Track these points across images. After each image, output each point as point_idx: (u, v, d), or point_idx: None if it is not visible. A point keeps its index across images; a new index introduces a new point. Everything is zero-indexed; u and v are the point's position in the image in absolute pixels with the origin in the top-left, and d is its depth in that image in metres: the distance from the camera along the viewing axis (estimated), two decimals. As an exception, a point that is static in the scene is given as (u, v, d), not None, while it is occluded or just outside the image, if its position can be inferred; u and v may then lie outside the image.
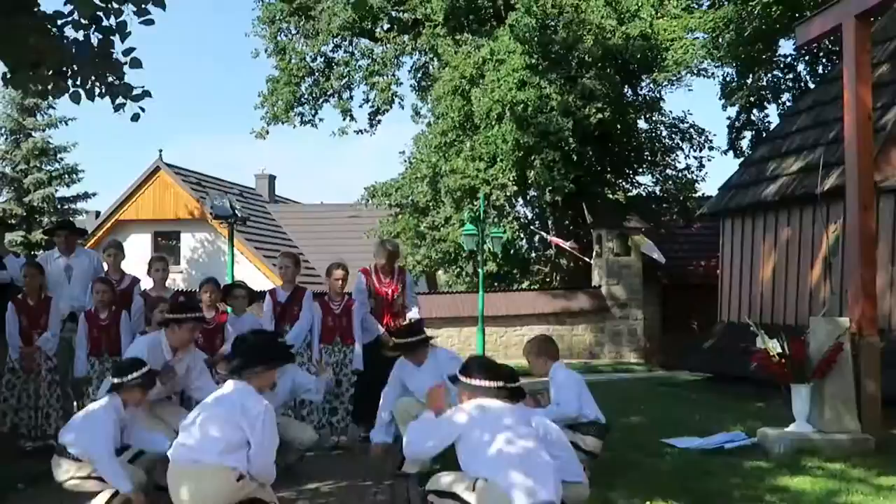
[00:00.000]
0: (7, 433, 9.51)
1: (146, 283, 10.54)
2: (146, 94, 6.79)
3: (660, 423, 10.46)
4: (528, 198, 26.10)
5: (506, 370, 6.11)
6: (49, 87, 6.70)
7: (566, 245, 24.70)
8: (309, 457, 9.15)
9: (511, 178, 23.52)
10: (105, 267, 10.73)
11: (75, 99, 6.79)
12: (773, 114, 30.24)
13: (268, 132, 27.26)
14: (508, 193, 23.99)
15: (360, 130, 28.09)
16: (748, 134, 29.78)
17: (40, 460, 9.01)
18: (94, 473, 6.53)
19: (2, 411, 9.49)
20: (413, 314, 10.58)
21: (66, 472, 6.65)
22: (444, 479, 5.68)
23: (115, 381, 6.65)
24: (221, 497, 5.35)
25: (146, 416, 7.11)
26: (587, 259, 26.21)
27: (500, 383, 5.77)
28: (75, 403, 10.22)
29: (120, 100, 6.76)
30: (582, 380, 7.92)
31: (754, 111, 29.05)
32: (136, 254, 22.21)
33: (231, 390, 5.58)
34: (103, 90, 6.75)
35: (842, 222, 12.75)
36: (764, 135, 25.74)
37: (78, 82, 6.74)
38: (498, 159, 23.68)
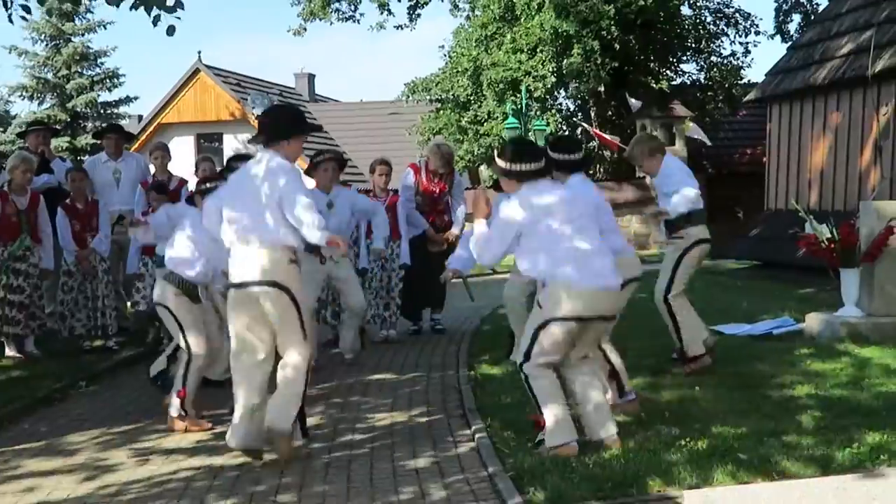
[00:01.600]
0: (66, 335, 9.74)
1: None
2: (179, 4, 6.67)
3: (708, 311, 10.41)
4: (570, 89, 25.74)
5: (539, 149, 6.08)
6: None
7: (609, 137, 24.44)
8: (361, 350, 9.31)
9: (551, 69, 23.19)
10: (152, 169, 10.83)
11: (113, 1, 6.71)
12: (821, -5, 29.39)
13: (305, 29, 26.91)
14: (548, 85, 23.66)
15: (400, 26, 27.62)
16: (796, 17, 29.05)
17: (100, 359, 9.31)
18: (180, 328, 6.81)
19: (60, 314, 9.70)
20: (460, 212, 10.61)
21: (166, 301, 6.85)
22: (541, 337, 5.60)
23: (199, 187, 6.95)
24: (274, 270, 5.56)
25: None
26: (632, 149, 25.94)
27: (541, 163, 5.71)
28: (128, 304, 10.43)
29: (155, 11, 6.64)
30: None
31: (802, -7, 28.29)
32: (180, 156, 22.29)
33: (261, 163, 5.68)
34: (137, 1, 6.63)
35: (893, 104, 12.50)
36: (812, 17, 25.06)
37: None
38: (538, 50, 23.32)
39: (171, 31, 6.71)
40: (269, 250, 5.57)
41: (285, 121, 5.87)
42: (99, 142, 12.50)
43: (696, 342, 7.61)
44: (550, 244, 5.51)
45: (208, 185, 6.95)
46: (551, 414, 5.53)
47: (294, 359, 5.67)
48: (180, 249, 6.79)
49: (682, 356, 7.68)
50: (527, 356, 5.61)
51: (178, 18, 6.68)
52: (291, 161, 5.78)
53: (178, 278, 6.77)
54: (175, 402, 6.73)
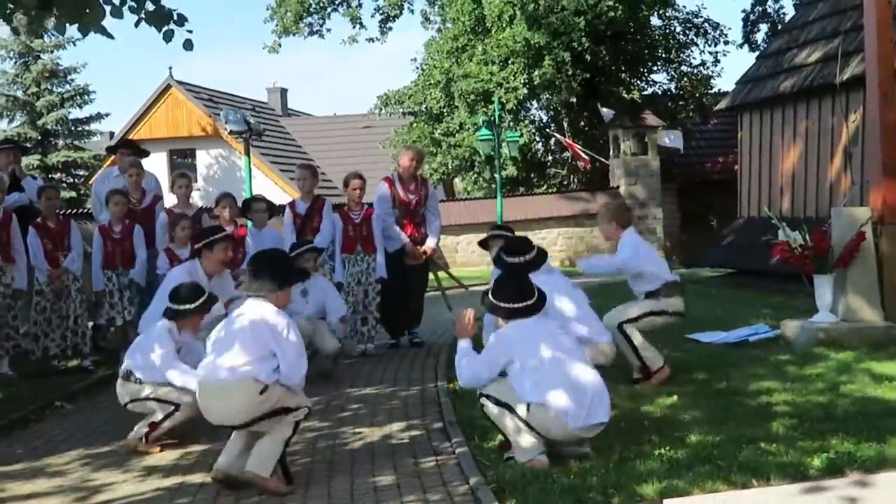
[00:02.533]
0: (40, 355, 9.66)
1: (167, 201, 10.61)
2: (183, 18, 6.49)
3: (683, 320, 10.53)
4: (542, 100, 25.87)
5: (529, 286, 5.94)
6: (85, 13, 6.39)
7: (580, 150, 24.56)
8: (338, 364, 9.32)
9: (522, 81, 23.30)
10: (125, 186, 10.78)
11: (116, 14, 6.53)
12: (788, 4, 29.76)
13: (280, 45, 26.99)
14: (520, 97, 23.77)
15: (372, 39, 27.82)
16: (764, 26, 29.36)
17: (74, 379, 9.23)
18: (153, 395, 6.67)
19: (34, 334, 9.62)
20: (436, 225, 10.63)
21: (129, 395, 6.79)
22: (502, 388, 5.68)
23: (175, 307, 6.67)
24: (246, 409, 5.44)
25: (194, 339, 7.16)
26: (604, 160, 26.11)
27: (531, 301, 5.78)
28: (102, 317, 10.33)
29: (167, 27, 6.44)
30: (652, 248, 8.12)
31: (769, 2, 28.59)
32: (153, 172, 22.17)
33: (253, 307, 5.64)
34: (143, 17, 6.45)
35: (862, 111, 12.63)
36: (780, 26, 25.31)
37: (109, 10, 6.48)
38: (509, 62, 23.44)
39: (188, 45, 6.45)
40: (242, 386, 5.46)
41: (279, 270, 5.81)
42: (69, 158, 12.44)
43: (656, 357, 7.74)
44: (540, 375, 5.54)
45: (208, 239, 7.14)
46: (512, 435, 5.61)
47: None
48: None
49: (644, 373, 7.75)
50: (486, 395, 5.71)
51: (191, 32, 6.48)
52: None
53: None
54: (143, 430, 6.70)
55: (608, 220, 8.02)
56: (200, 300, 6.71)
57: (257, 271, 5.74)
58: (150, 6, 6.21)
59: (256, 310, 5.60)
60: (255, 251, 8.55)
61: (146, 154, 11.28)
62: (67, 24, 6.24)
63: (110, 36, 6.35)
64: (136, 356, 6.79)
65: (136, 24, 6.37)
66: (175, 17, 6.26)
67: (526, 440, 5.54)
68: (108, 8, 6.15)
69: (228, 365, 5.47)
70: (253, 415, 5.46)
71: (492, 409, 5.67)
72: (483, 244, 8.19)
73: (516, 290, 5.82)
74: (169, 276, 8.00)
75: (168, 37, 6.31)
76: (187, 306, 6.67)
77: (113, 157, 13.32)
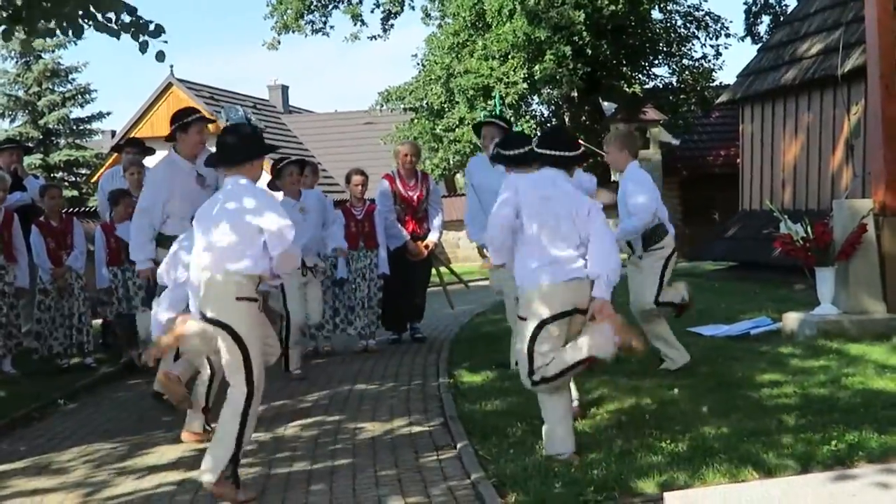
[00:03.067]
0: (45, 354, 9.67)
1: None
2: (160, 29, 6.53)
3: (686, 313, 10.53)
4: (543, 95, 25.82)
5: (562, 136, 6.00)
6: (64, 23, 6.38)
7: (581, 143, 24.51)
8: (340, 359, 9.34)
9: (522, 76, 23.28)
10: (126, 185, 10.77)
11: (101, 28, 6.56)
12: (790, -4, 29.64)
13: (279, 42, 26.93)
14: (521, 91, 23.74)
15: (374, 36, 27.70)
16: (766, 18, 29.25)
17: (78, 377, 9.25)
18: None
19: (38, 333, 9.64)
20: (437, 220, 10.63)
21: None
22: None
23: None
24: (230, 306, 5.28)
25: None
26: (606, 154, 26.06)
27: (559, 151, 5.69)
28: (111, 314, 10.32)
29: (142, 38, 6.48)
30: (656, 189, 7.79)
31: (771, -6, 28.50)
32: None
33: (229, 188, 5.50)
34: (118, 26, 6.48)
35: (863, 103, 12.60)
36: (782, 18, 25.25)
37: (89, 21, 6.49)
38: (509, 56, 23.41)
39: (160, 56, 6.50)
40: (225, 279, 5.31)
41: (246, 143, 5.68)
42: (71, 158, 12.46)
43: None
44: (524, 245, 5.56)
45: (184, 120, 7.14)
46: (553, 425, 5.58)
47: (234, 396, 5.35)
48: None
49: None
50: (531, 374, 5.57)
51: (166, 42, 6.50)
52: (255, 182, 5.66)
53: None
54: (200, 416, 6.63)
55: (619, 147, 7.74)
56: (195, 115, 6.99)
57: (223, 150, 5.60)
58: (126, 18, 6.22)
59: (233, 188, 5.48)
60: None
61: (152, 152, 11.26)
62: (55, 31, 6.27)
63: (80, 35, 6.43)
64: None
65: (117, 36, 6.39)
66: (152, 28, 6.29)
67: (562, 430, 5.52)
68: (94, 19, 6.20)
69: (222, 256, 5.34)
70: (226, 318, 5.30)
71: (549, 399, 5.61)
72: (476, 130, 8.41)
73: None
74: (149, 177, 7.96)
75: (143, 48, 6.34)
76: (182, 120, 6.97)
77: (116, 156, 13.30)
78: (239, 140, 5.68)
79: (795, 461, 5.10)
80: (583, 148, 6.02)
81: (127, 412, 7.87)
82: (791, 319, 9.32)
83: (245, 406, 5.29)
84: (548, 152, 5.73)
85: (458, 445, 5.98)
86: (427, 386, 8.17)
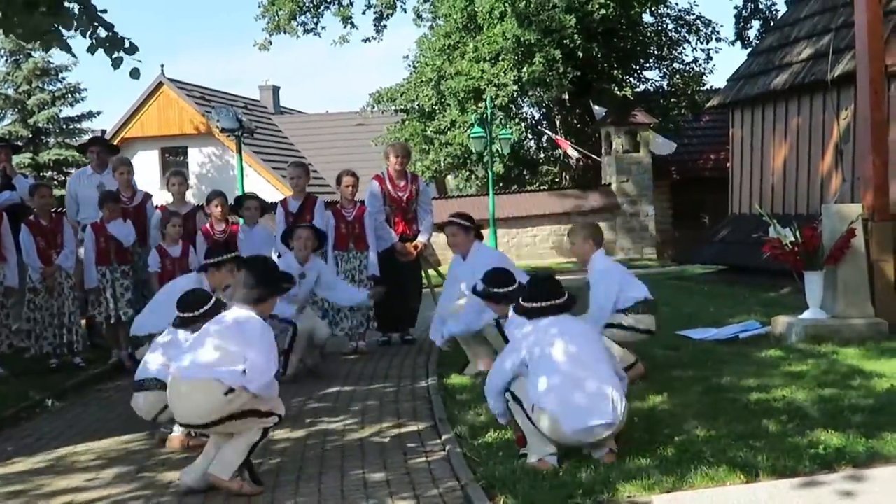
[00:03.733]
0: (36, 353, 9.64)
1: (157, 199, 10.61)
2: (134, 47, 6.50)
3: (674, 316, 10.54)
4: (533, 98, 25.87)
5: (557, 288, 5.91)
6: (42, 31, 6.35)
7: (569, 148, 24.59)
8: (329, 360, 9.33)
9: (513, 78, 23.31)
10: (116, 185, 10.76)
11: (65, 47, 6.51)
12: (780, 1, 29.74)
13: (270, 43, 26.94)
14: (511, 94, 23.77)
15: (367, 39, 27.75)
16: (756, 23, 29.37)
17: (66, 376, 9.22)
18: None
19: (27, 331, 9.61)
20: (427, 222, 10.63)
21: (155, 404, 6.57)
22: (519, 384, 5.60)
23: (183, 315, 6.53)
24: (209, 409, 5.39)
25: None
26: (596, 157, 26.13)
27: (558, 301, 5.73)
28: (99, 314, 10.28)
29: (116, 54, 6.46)
30: (623, 268, 7.92)
31: (762, -1, 28.59)
32: (144, 170, 22.18)
33: (232, 313, 5.64)
34: (94, 42, 6.46)
35: (853, 108, 12.66)
36: (772, 23, 25.35)
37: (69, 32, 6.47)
38: (500, 59, 23.44)
39: (135, 73, 6.46)
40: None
41: (267, 280, 5.80)
42: (80, 153, 12.47)
43: (627, 354, 7.62)
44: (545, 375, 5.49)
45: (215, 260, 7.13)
46: (527, 433, 5.55)
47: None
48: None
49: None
50: (509, 391, 5.62)
51: (140, 61, 6.47)
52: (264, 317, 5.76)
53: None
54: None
55: (584, 239, 7.75)
56: (207, 306, 6.51)
57: (247, 279, 5.72)
58: (102, 32, 6.20)
59: (235, 314, 5.60)
60: (247, 251, 8.57)
61: (117, 150, 11.27)
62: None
63: (70, 51, 6.40)
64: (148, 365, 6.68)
65: (92, 51, 6.37)
66: (127, 46, 6.27)
67: (539, 439, 5.48)
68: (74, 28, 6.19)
69: (200, 363, 5.46)
70: (217, 415, 5.40)
71: (512, 404, 5.59)
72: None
73: (548, 289, 5.79)
74: (172, 286, 7.78)
75: (117, 64, 6.32)
76: (192, 312, 6.50)
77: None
78: (261, 275, 5.78)
79: (783, 465, 5.11)
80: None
81: (115, 412, 7.84)
82: (780, 323, 9.34)
83: (266, 430, 5.60)
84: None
85: (447, 448, 5.98)
86: (416, 388, 8.17)
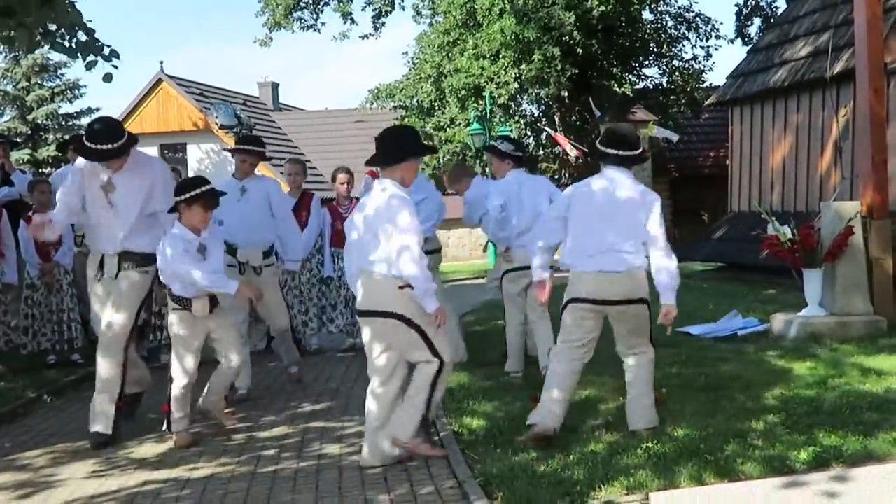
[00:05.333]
0: (34, 350, 9.63)
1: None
2: (114, 54, 6.49)
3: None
4: (532, 95, 25.84)
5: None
6: (12, 34, 6.30)
7: (567, 146, 24.57)
8: (327, 357, 9.32)
9: (513, 76, 23.29)
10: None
11: (31, 48, 6.47)
12: (780, -2, 29.73)
13: (271, 39, 26.90)
14: (511, 91, 23.75)
15: (365, 35, 27.62)
16: (756, 20, 29.34)
17: (64, 373, 9.21)
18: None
19: (25, 327, 9.60)
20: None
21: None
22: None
23: (178, 199, 6.40)
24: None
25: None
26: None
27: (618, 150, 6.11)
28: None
29: (91, 57, 6.45)
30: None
31: (762, -4, 28.57)
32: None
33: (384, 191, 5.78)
34: (74, 45, 6.43)
35: (852, 106, 12.66)
36: (772, 20, 25.34)
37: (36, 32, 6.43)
38: (500, 56, 23.41)
39: (108, 78, 6.43)
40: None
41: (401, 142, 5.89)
42: (60, 153, 12.37)
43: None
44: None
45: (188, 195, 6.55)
46: (547, 396, 5.85)
47: (425, 369, 5.77)
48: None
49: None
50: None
51: (116, 67, 6.46)
52: (406, 185, 5.83)
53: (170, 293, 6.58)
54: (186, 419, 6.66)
55: (456, 179, 8.66)
56: (203, 188, 6.45)
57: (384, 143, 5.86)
58: (82, 37, 6.19)
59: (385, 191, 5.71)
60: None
61: None
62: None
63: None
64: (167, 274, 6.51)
65: (73, 56, 6.35)
66: (105, 53, 6.27)
67: (547, 407, 5.85)
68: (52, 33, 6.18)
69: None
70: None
71: (556, 363, 6.03)
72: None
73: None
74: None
75: (90, 66, 6.31)
76: (187, 194, 6.38)
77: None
78: (393, 140, 5.89)
79: (780, 462, 5.11)
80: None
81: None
82: (778, 321, 9.35)
83: (435, 376, 5.74)
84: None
85: (445, 444, 5.98)
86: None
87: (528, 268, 6.67)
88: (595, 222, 5.87)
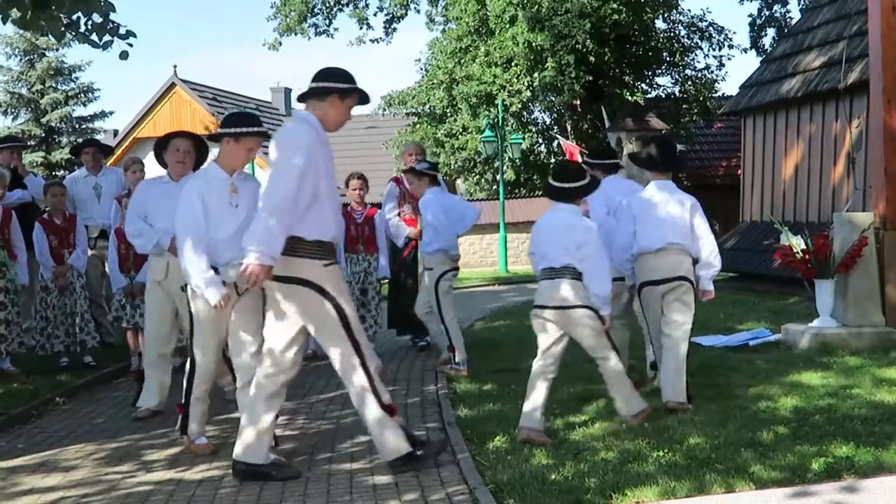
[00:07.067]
0: (49, 352, 9.65)
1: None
2: (131, 33, 6.52)
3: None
4: (545, 103, 25.87)
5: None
6: (43, 23, 6.34)
7: (577, 155, 24.57)
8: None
9: (526, 83, 23.32)
10: (127, 183, 10.77)
11: (59, 36, 6.52)
12: (794, 8, 29.70)
13: (280, 43, 26.96)
14: (524, 99, 23.78)
15: (377, 39, 27.70)
16: (770, 31, 29.32)
17: (76, 375, 9.25)
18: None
19: (39, 330, 9.63)
20: None
21: None
22: None
23: (227, 131, 6.03)
24: None
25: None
26: (607, 162, 26.07)
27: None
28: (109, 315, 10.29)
29: (107, 37, 6.47)
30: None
31: (776, 6, 28.55)
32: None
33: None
34: (90, 27, 6.48)
35: (865, 117, 12.63)
36: (786, 31, 25.32)
37: (64, 21, 6.48)
38: (513, 63, 23.45)
39: (124, 55, 6.45)
40: None
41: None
42: (73, 157, 12.40)
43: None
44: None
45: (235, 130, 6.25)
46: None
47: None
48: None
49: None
50: None
51: (131, 45, 6.48)
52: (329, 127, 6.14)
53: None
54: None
55: (419, 180, 9.22)
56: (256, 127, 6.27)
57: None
58: (97, 18, 6.24)
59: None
60: None
61: (110, 151, 11.27)
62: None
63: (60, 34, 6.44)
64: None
65: (87, 39, 6.38)
66: (122, 32, 6.33)
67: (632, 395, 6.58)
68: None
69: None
70: None
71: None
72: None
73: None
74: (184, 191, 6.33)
75: (106, 46, 6.37)
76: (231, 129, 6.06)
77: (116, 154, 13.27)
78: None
79: (791, 473, 5.11)
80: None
81: (125, 411, 7.87)
82: (790, 331, 9.33)
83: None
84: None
85: (456, 451, 5.99)
86: (425, 391, 8.18)
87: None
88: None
